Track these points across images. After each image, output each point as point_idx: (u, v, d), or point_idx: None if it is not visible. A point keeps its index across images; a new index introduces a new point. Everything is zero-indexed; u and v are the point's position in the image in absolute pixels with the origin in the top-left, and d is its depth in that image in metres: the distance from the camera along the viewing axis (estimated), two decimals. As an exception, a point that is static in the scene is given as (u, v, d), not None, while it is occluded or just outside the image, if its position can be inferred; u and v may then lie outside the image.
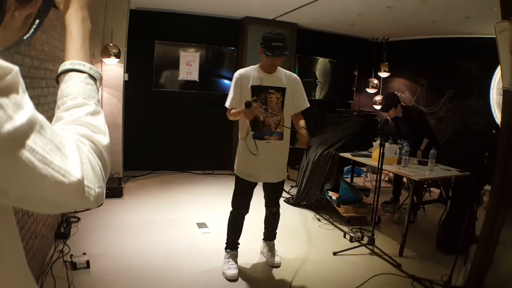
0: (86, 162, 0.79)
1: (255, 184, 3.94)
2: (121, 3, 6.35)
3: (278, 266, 4.25)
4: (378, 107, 9.35)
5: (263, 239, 4.46)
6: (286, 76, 3.84)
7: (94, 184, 0.80)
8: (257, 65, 3.82)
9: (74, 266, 3.76)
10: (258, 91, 3.69)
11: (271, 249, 4.35)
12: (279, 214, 4.26)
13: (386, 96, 6.37)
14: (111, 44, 6.18)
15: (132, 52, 7.03)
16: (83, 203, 0.79)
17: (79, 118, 0.87)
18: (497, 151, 3.38)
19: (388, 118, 6.37)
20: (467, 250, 4.13)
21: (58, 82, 0.96)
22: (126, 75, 6.76)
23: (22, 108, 0.64)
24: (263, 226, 4.38)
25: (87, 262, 3.83)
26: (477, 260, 3.46)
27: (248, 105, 3.47)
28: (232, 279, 3.87)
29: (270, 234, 4.38)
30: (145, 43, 7.45)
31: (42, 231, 3.73)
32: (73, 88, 0.92)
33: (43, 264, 3.74)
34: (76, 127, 0.86)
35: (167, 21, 7.60)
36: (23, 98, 0.65)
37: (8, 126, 0.60)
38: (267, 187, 4.06)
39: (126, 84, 6.87)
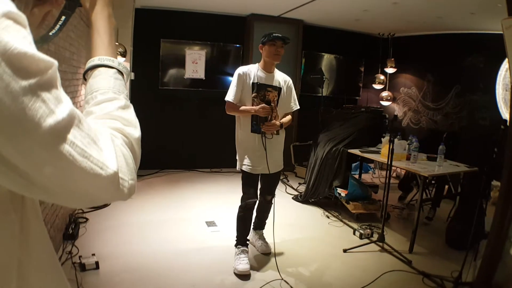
0: (120, 154, 0.80)
1: (257, 175, 4.11)
2: (126, 2, 6.33)
3: (269, 253, 4.45)
4: (385, 103, 9.31)
5: (253, 228, 4.59)
6: (282, 78, 4.09)
7: (128, 176, 0.80)
8: (257, 64, 4.05)
9: (83, 267, 3.75)
10: (258, 87, 3.94)
11: (261, 238, 4.58)
12: (272, 203, 4.38)
13: None
14: (117, 43, 6.16)
15: (138, 51, 7.02)
16: (117, 195, 0.80)
17: (111, 112, 0.88)
18: (506, 146, 3.36)
19: (396, 114, 6.35)
20: (477, 246, 4.10)
21: (85, 78, 0.97)
22: (132, 74, 6.75)
23: (62, 102, 0.65)
24: (255, 215, 4.53)
25: (96, 263, 3.81)
26: (487, 256, 3.44)
27: (268, 103, 3.82)
28: (243, 274, 3.90)
29: (260, 223, 4.58)
30: (151, 41, 7.44)
31: (50, 232, 3.72)
32: (103, 83, 0.93)
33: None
34: (108, 120, 0.87)
35: (172, 19, 7.59)
36: (61, 93, 0.67)
37: (51, 120, 0.62)
38: (264, 178, 4.22)
39: (132, 83, 6.86)
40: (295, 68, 8.39)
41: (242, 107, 3.96)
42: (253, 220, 4.51)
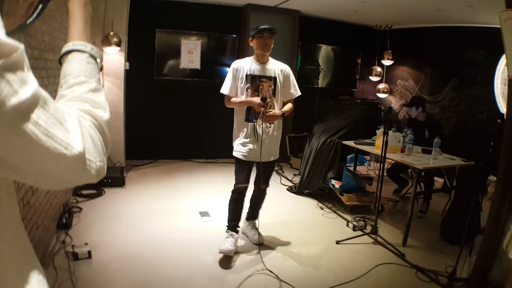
0: (87, 136, 0.82)
1: (251, 163, 4.20)
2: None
3: (261, 243, 4.47)
4: (381, 95, 9.30)
5: (246, 219, 4.68)
6: (277, 67, 4.19)
7: (95, 158, 0.83)
8: (251, 57, 4.17)
9: (76, 256, 3.75)
10: (252, 79, 4.07)
11: (254, 228, 4.61)
12: (266, 193, 4.51)
13: (414, 96, 6.83)
14: (111, 33, 6.14)
15: (133, 41, 6.99)
16: (85, 177, 0.82)
17: (81, 95, 0.91)
18: (502, 140, 3.34)
19: (392, 106, 6.36)
20: (472, 241, 4.10)
21: (61, 63, 1.00)
22: (127, 63, 6.72)
23: (27, 84, 0.68)
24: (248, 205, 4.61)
25: (89, 252, 3.82)
26: (482, 252, 3.43)
27: (264, 100, 3.90)
28: (225, 254, 4.02)
29: (254, 213, 4.61)
30: (146, 31, 7.38)
31: (43, 222, 3.71)
32: (75, 67, 0.96)
33: (44, 255, 3.73)
34: (78, 103, 0.89)
35: (168, 9, 7.52)
36: (28, 75, 0.69)
37: (14, 100, 0.64)
38: (259, 167, 4.28)
39: (127, 73, 6.83)
40: (292, 59, 8.34)
41: (234, 99, 4.09)
42: (246, 210, 4.55)
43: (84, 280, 3.44)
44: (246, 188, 4.22)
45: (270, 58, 4.19)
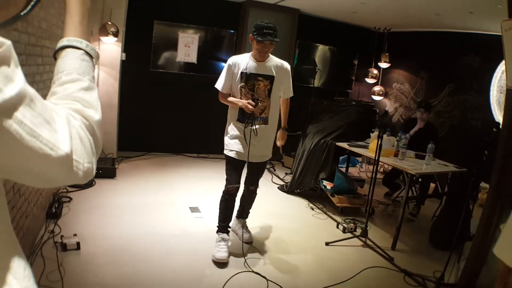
0: (76, 136, 0.81)
1: (242, 162, 4.10)
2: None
3: (251, 242, 4.48)
4: (376, 98, 9.31)
5: (236, 217, 4.62)
6: (277, 65, 4.01)
7: (84, 159, 0.82)
8: (249, 53, 4.01)
9: (64, 247, 3.72)
10: (247, 77, 3.92)
11: (244, 226, 4.57)
12: (255, 193, 4.43)
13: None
14: (109, 23, 6.08)
15: (131, 32, 6.92)
16: (72, 178, 0.81)
17: (72, 93, 0.90)
18: (497, 149, 3.34)
19: (387, 109, 6.39)
20: (461, 248, 4.10)
21: (55, 58, 0.98)
22: (124, 54, 6.67)
23: (12, 81, 0.66)
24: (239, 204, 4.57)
25: (78, 243, 3.78)
26: (471, 258, 3.44)
27: (255, 101, 3.84)
28: (220, 262, 3.92)
29: (244, 212, 4.58)
30: (144, 23, 7.32)
31: (33, 210, 3.68)
32: (69, 64, 0.94)
33: (33, 244, 3.70)
34: (69, 101, 0.88)
35: (167, 1, 7.48)
36: (15, 72, 0.67)
37: None
38: (249, 168, 4.24)
39: (123, 63, 6.77)
40: (289, 58, 8.29)
41: (230, 98, 4.00)
42: (236, 208, 4.51)
43: (72, 271, 3.40)
44: (237, 188, 4.15)
45: (269, 55, 4.01)
